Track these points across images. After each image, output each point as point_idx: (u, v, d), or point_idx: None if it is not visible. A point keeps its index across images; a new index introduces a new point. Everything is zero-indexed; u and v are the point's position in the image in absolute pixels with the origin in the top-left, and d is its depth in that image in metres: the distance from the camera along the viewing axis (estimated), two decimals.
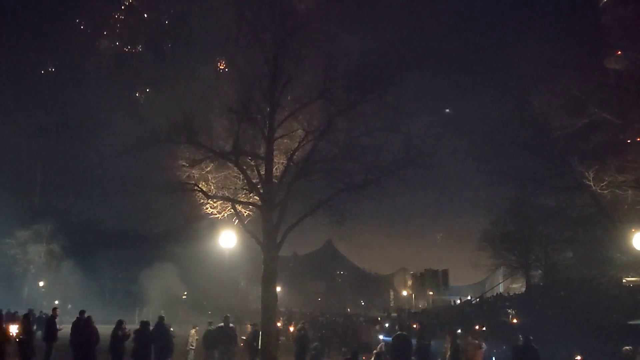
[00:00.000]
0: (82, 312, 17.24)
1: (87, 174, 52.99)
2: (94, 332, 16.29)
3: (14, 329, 17.30)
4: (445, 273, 59.01)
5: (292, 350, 18.61)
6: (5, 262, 52.35)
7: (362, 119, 18.23)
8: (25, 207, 54.95)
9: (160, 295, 54.68)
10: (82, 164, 55.11)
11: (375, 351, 16.80)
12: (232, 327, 19.05)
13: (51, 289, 53.10)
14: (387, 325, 30.26)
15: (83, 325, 16.44)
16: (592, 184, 19.80)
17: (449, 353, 16.49)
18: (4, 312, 26.85)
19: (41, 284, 54.33)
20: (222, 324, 18.71)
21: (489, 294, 49.63)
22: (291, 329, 26.90)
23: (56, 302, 44.48)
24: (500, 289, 51.49)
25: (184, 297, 57.88)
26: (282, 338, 20.57)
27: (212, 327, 19.04)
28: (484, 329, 26.22)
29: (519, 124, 24.24)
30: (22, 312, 24.58)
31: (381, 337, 17.24)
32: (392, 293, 67.24)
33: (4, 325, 16.56)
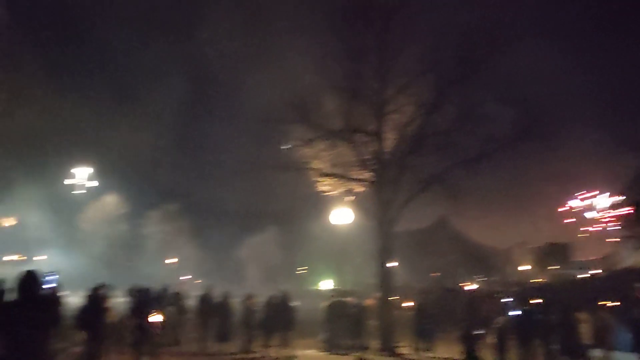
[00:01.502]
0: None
1: (209, 157, 55.98)
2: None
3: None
4: (567, 246, 55.98)
5: (408, 325, 18.66)
6: (139, 241, 57.07)
7: (475, 90, 17.63)
8: (155, 189, 59.08)
9: (277, 271, 56.95)
10: (204, 148, 58.30)
11: (494, 327, 16.37)
12: (350, 301, 19.39)
13: (182, 265, 57.12)
14: (506, 300, 29.31)
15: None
16: None
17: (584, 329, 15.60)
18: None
19: (174, 260, 58.63)
20: (340, 298, 19.09)
21: (616, 267, 46.36)
22: (407, 303, 26.90)
23: (186, 277, 47.85)
24: (629, 262, 47.87)
25: (300, 272, 59.83)
26: (399, 312, 20.59)
27: (331, 301, 19.50)
28: (616, 303, 24.61)
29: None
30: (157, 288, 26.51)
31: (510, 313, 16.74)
32: (510, 267, 64.89)
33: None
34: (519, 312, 15.69)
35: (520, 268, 62.27)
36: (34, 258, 49.57)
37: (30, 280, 5.61)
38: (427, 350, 17.99)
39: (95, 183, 53.42)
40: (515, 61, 17.28)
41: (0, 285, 14.67)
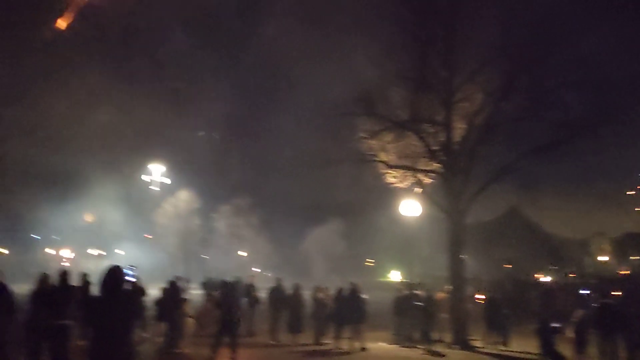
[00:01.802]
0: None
1: (277, 151, 56.80)
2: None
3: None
4: None
5: (481, 318, 18.28)
6: (212, 235, 58.76)
7: (548, 74, 16.90)
8: (226, 184, 60.59)
9: (345, 263, 57.17)
10: (272, 143, 59.22)
11: (572, 320, 15.75)
12: (419, 293, 19.21)
13: (254, 257, 58.40)
14: (584, 292, 28.18)
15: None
16: None
17: None
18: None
19: (244, 253, 60.02)
20: (409, 291, 18.94)
21: None
22: (479, 296, 26.36)
23: (257, 270, 48.91)
24: None
25: (368, 264, 59.83)
26: (471, 305, 20.20)
27: (401, 294, 19.37)
28: None
29: None
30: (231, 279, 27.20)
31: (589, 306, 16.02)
32: (587, 259, 62.22)
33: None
34: (599, 305, 15.03)
35: (598, 259, 59.64)
36: (115, 251, 52.09)
37: (114, 275, 5.86)
38: (502, 344, 17.60)
39: (168, 180, 55.33)
40: (593, 41, 16.35)
41: (85, 278, 15.56)
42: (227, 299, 14.01)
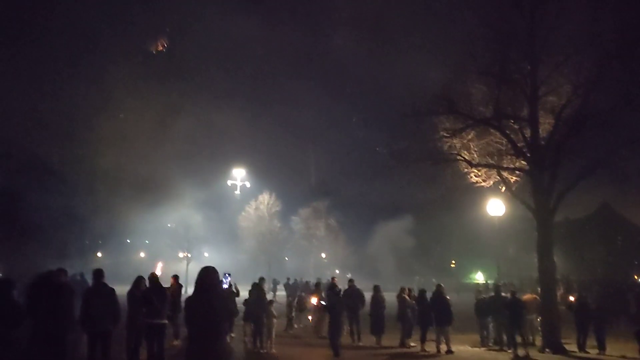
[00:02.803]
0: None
1: (355, 154, 57.00)
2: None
3: (314, 301, 19.30)
4: None
5: (572, 320, 17.44)
6: (293, 237, 59.73)
7: None
8: (305, 187, 61.49)
9: (430, 264, 56.38)
10: (350, 145, 59.53)
11: None
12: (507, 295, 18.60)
13: (331, 259, 58.84)
14: None
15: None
16: None
17: None
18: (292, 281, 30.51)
19: (323, 255, 60.56)
20: (496, 292, 18.38)
21: None
22: (570, 297, 25.19)
23: (336, 271, 49.17)
24: None
25: (452, 265, 58.66)
26: (562, 307, 19.33)
27: (483, 296, 18.85)
28: None
29: None
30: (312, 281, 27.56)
31: None
32: None
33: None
34: None
35: None
36: (203, 254, 54.01)
37: (208, 274, 6.04)
38: (597, 347, 16.71)
39: (248, 184, 56.82)
40: None
41: (177, 280, 16.24)
42: (335, 302, 14.34)
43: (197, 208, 52.45)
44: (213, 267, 6.09)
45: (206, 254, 56.36)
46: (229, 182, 55.78)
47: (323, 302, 17.05)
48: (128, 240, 61.76)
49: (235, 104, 57.05)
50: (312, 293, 21.57)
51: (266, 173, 57.65)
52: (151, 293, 11.65)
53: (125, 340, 11.65)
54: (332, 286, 16.10)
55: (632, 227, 57.11)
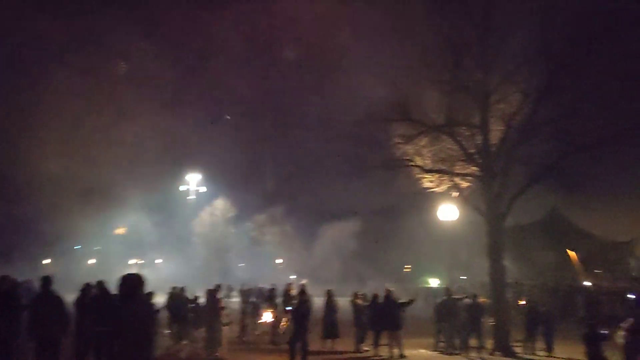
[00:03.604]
0: None
1: (313, 160, 57.03)
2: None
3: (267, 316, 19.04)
4: None
5: (522, 324, 17.82)
6: (248, 243, 59.23)
7: (591, 70, 16.31)
8: (261, 193, 61.09)
9: (383, 269, 56.72)
10: (308, 152, 59.55)
11: (623, 326, 15.17)
12: (461, 299, 18.83)
13: (287, 265, 58.57)
14: (632, 296, 27.27)
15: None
16: None
17: None
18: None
19: (279, 261, 60.27)
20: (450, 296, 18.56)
21: None
22: (521, 302, 25.78)
23: (292, 277, 48.93)
24: None
25: (406, 270, 59.25)
26: (513, 311, 19.75)
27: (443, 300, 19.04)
28: None
29: None
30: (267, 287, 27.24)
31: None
32: (633, 261, 60.20)
33: None
34: None
35: None
36: (155, 261, 52.91)
37: (129, 282, 5.79)
38: (546, 350, 17.11)
39: (204, 188, 56.07)
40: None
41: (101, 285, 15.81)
42: (301, 308, 14.24)
43: (149, 214, 51.45)
44: (137, 274, 5.86)
45: (159, 261, 55.29)
46: (183, 187, 54.84)
47: (289, 307, 16.94)
48: (78, 247, 59.99)
49: (189, 107, 56.29)
50: (266, 300, 21.35)
51: (222, 178, 56.95)
52: (97, 300, 11.36)
53: (73, 348, 11.35)
54: (302, 291, 15.99)
55: (580, 232, 58.89)
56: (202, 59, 66.98)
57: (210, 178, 56.31)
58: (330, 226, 57.80)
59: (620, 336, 14.84)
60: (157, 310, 14.83)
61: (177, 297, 17.91)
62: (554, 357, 16.68)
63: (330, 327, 16.83)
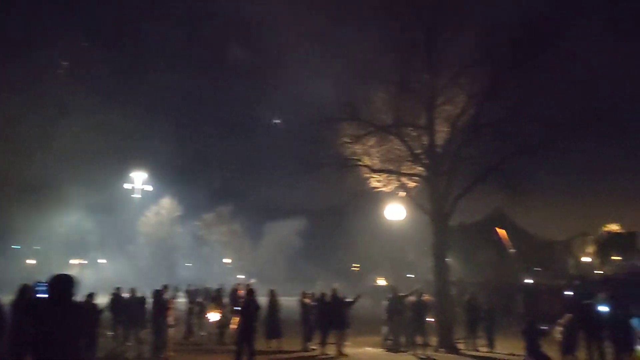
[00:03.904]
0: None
1: (261, 158, 56.63)
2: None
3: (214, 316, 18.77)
4: (632, 236, 53.53)
5: (466, 321, 18.25)
6: (195, 243, 58.33)
7: (533, 74, 16.89)
8: (209, 192, 60.28)
9: (331, 268, 56.95)
10: (255, 150, 59.09)
11: (560, 322, 15.77)
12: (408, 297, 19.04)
13: (236, 265, 58.00)
14: (569, 293, 28.37)
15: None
16: None
17: None
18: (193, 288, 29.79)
19: (227, 260, 59.61)
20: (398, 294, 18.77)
21: None
22: (464, 299, 26.41)
23: (241, 276, 48.56)
24: None
25: (354, 269, 59.66)
26: (457, 308, 20.18)
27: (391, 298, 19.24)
28: None
29: None
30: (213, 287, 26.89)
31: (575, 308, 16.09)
32: (571, 260, 62.73)
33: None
34: (584, 307, 15.09)
35: (582, 260, 60.07)
36: (98, 261, 51.36)
37: (58, 284, 5.54)
38: (488, 346, 17.57)
39: (150, 187, 54.85)
40: (581, 40, 16.32)
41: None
42: (248, 308, 14.06)
43: (92, 212, 49.92)
44: (67, 275, 5.60)
45: (102, 261, 53.75)
46: (127, 186, 53.47)
47: (238, 307, 16.74)
48: (17, 247, 57.58)
49: (133, 104, 54.89)
50: (213, 300, 21.07)
51: (168, 177, 55.77)
52: (37, 302, 10.86)
53: (9, 352, 10.83)
54: (250, 291, 15.80)
55: (522, 231, 60.80)
56: (147, 57, 65.76)
57: (157, 176, 55.08)
58: (277, 225, 57.61)
59: (557, 332, 15.48)
60: (100, 312, 14.55)
61: (120, 299, 17.47)
62: (495, 352, 17.13)
63: (273, 326, 16.74)
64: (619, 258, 56.35)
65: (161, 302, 15.04)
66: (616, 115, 16.05)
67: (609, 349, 14.49)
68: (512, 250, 37.66)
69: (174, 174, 56.56)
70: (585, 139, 16.41)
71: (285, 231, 56.94)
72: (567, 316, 15.65)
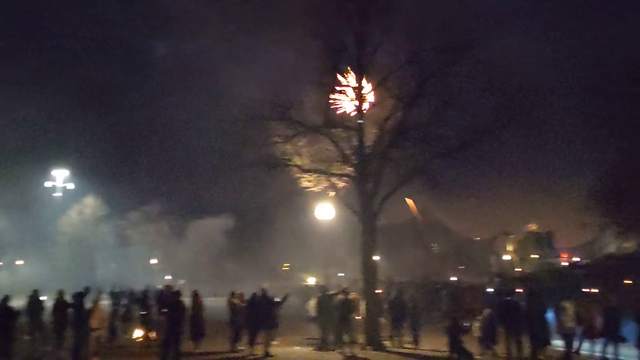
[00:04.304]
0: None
1: (189, 157, 55.56)
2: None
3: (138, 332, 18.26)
4: (549, 235, 56.65)
5: (392, 318, 18.66)
6: (120, 243, 56.53)
7: (455, 80, 17.55)
8: (135, 190, 58.61)
9: (261, 268, 56.73)
10: (184, 148, 57.95)
11: (480, 318, 16.44)
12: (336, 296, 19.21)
13: (163, 266, 56.63)
14: (490, 290, 29.58)
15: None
16: None
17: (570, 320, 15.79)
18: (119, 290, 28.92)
19: (154, 261, 58.11)
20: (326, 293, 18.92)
21: (598, 255, 47.10)
22: (391, 296, 26.98)
23: (169, 277, 47.50)
24: (611, 249, 48.63)
25: (285, 269, 59.71)
26: (385, 306, 20.60)
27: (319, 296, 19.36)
28: (596, 290, 25.08)
29: (626, 74, 22.51)
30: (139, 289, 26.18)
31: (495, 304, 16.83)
32: (493, 258, 65.60)
33: None
34: (504, 303, 15.76)
35: (503, 258, 62.90)
36: (16, 262, 48.87)
37: None
38: (413, 342, 18.03)
39: (71, 185, 52.62)
40: (498, 49, 17.18)
41: None
42: (175, 310, 13.75)
43: (8, 211, 47.41)
44: None
45: (19, 262, 51.09)
46: (48, 184, 51.01)
47: (165, 310, 16.37)
48: None
49: (54, 100, 52.60)
50: (138, 302, 20.55)
51: (92, 175, 53.64)
52: None
53: None
54: (177, 293, 15.47)
55: (446, 230, 62.93)
56: (69, 53, 63.33)
57: (79, 175, 52.85)
58: (203, 225, 56.66)
59: (477, 327, 16.15)
60: (15, 315, 13.85)
61: (37, 301, 16.73)
62: (420, 349, 17.62)
63: (197, 327, 16.51)
64: (536, 256, 59.58)
65: (82, 305, 14.51)
66: (529, 120, 16.91)
67: (526, 343, 15.23)
68: (420, 221, 38.88)
69: (98, 172, 54.67)
70: (500, 142, 17.28)
71: (211, 230, 56.16)
72: (486, 312, 16.36)
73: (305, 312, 19.50)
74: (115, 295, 26.45)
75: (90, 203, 54.50)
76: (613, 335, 15.09)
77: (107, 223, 55.72)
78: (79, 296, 14.68)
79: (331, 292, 18.12)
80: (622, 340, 15.07)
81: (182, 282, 41.17)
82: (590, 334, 15.98)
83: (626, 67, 22.98)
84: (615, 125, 23.40)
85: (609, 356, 15.18)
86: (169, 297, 16.33)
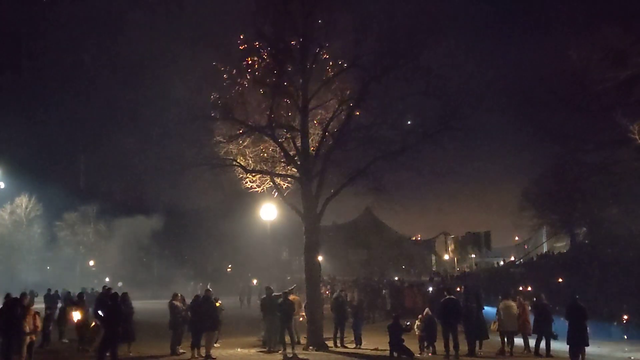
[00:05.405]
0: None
1: (129, 156, 54.09)
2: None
3: (76, 315, 17.73)
4: (487, 235, 58.45)
5: (335, 318, 18.84)
6: (56, 244, 54.47)
7: (397, 84, 17.91)
8: (71, 190, 56.66)
9: (206, 269, 55.99)
10: (122, 147, 56.38)
11: (420, 316, 16.86)
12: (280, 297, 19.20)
13: (101, 268, 54.94)
14: (430, 289, 30.32)
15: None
16: (637, 137, 19.28)
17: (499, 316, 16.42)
18: (59, 292, 27.99)
19: (91, 263, 56.30)
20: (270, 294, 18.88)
21: (532, 254, 49.13)
22: (334, 296, 27.22)
23: (106, 279, 46.11)
24: (545, 248, 50.84)
25: (228, 270, 59.13)
26: (327, 306, 20.79)
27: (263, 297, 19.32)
28: (529, 289, 26.13)
29: (558, 79, 23.60)
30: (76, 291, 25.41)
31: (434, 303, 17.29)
32: (433, 258, 67.15)
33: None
34: (443, 301, 16.21)
35: (444, 258, 64.48)
36: None
37: None
38: (355, 342, 18.25)
39: (1, 184, 50.43)
40: (439, 54, 17.68)
41: None
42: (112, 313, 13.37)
43: None
44: None
45: None
46: None
47: (100, 313, 15.91)
48: None
49: None
50: (75, 304, 19.88)
51: (25, 173, 51.37)
52: None
53: None
54: (114, 296, 15.07)
55: (389, 231, 63.88)
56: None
57: (10, 173, 50.55)
58: (136, 224, 54.99)
59: (417, 326, 16.58)
60: None
61: None
62: (362, 348, 17.87)
63: (126, 330, 16.15)
64: (474, 255, 61.48)
65: (14, 308, 13.95)
66: (465, 125, 17.52)
67: (463, 339, 15.73)
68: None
69: (30, 172, 52.46)
70: (439, 146, 17.84)
71: (144, 231, 54.58)
72: (426, 311, 16.83)
73: (250, 313, 19.40)
74: (49, 298, 25.58)
75: (23, 203, 52.38)
76: (544, 332, 15.83)
77: (41, 223, 53.67)
78: (14, 302, 14.14)
79: (275, 294, 18.11)
80: (554, 336, 15.83)
81: (120, 284, 40.08)
82: (524, 331, 16.68)
83: (545, 78, 24.26)
84: (545, 131, 24.54)
85: (541, 352, 15.89)
86: (105, 300, 15.95)
